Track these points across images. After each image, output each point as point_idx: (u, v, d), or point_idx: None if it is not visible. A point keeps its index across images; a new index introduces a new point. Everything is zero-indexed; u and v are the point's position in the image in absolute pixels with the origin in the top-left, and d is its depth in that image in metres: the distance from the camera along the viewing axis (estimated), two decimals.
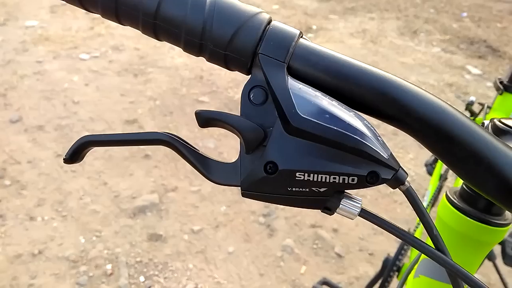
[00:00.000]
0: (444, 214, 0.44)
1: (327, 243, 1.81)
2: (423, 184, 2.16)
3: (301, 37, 0.32)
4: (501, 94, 1.00)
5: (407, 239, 0.31)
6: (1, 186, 1.94)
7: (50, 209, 1.85)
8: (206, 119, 0.31)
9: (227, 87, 2.79)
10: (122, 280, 1.58)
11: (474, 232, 0.43)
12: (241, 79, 2.90)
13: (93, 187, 1.97)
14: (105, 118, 2.41)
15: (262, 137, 0.30)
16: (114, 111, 2.48)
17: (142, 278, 1.60)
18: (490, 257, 1.19)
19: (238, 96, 2.71)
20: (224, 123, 0.30)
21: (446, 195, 0.45)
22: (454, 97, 2.96)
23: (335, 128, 0.28)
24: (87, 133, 2.30)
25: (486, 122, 0.41)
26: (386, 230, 0.31)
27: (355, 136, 0.28)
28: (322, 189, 0.30)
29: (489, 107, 1.09)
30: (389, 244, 1.81)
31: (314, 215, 1.94)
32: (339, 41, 3.58)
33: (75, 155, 0.32)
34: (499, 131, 0.38)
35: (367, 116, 0.31)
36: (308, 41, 0.32)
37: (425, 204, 1.31)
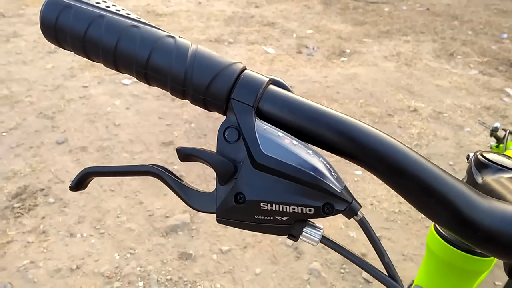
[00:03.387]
0: (432, 244, 0.46)
1: (355, 267, 1.80)
2: None
3: (271, 83, 0.37)
4: None
5: (363, 265, 0.35)
6: (46, 204, 2.08)
7: (89, 226, 1.96)
8: (185, 155, 0.36)
9: None
10: None
11: (462, 262, 0.44)
12: None
13: (130, 206, 2.07)
14: (144, 140, 2.53)
15: (232, 171, 0.34)
16: (152, 133, 2.60)
17: None
18: None
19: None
20: (200, 159, 0.35)
21: (434, 225, 0.47)
22: (477, 123, 2.88)
23: (294, 164, 0.33)
24: (126, 155, 2.43)
25: (471, 154, 0.43)
26: (344, 257, 0.35)
27: (310, 172, 0.33)
28: (284, 218, 0.34)
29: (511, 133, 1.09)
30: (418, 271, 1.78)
31: (342, 238, 1.94)
32: (373, 64, 3.59)
33: (79, 183, 0.38)
34: (480, 165, 0.41)
35: (329, 153, 0.36)
36: (276, 88, 0.37)
37: None
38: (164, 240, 1.89)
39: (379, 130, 0.35)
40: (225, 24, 4.30)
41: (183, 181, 0.37)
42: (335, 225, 1.99)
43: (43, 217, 2.00)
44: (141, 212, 2.03)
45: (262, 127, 0.34)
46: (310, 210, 0.34)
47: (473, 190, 0.33)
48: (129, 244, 1.87)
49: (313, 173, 0.33)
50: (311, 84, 3.23)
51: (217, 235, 1.92)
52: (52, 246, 1.86)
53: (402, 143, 0.34)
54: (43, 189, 2.16)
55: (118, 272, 1.75)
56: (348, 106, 2.98)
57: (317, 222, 0.36)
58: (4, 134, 2.60)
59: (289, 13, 4.64)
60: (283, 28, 4.24)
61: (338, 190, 0.33)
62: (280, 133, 0.34)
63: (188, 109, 2.84)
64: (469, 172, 0.41)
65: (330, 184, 0.33)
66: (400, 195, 0.35)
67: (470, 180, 0.41)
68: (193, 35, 4.00)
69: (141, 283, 1.70)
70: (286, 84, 0.39)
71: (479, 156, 0.41)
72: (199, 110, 2.84)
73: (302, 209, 0.34)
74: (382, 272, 0.35)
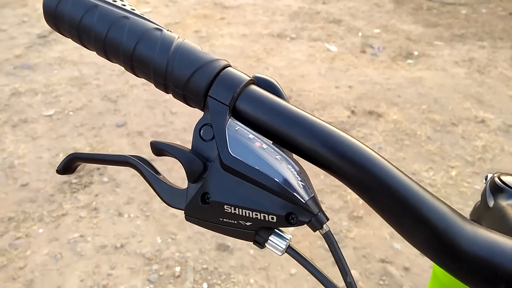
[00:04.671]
0: (438, 269, 0.43)
1: (395, 281, 1.72)
2: None
3: (252, 83, 0.35)
4: None
5: (325, 282, 0.33)
6: (100, 182, 2.19)
7: (136, 208, 2.04)
8: (158, 149, 0.36)
9: (313, 108, 2.81)
10: (187, 283, 1.68)
11: None
12: (328, 101, 2.91)
13: None
14: None
15: (201, 170, 0.33)
16: None
17: (205, 285, 1.68)
18: None
19: (323, 118, 2.70)
20: (171, 154, 0.35)
21: None
22: None
23: (258, 169, 0.31)
24: (179, 142, 2.50)
25: (490, 175, 0.39)
26: (307, 270, 0.33)
27: (274, 179, 0.31)
28: (248, 223, 0.32)
29: None
30: None
31: (385, 249, 1.86)
32: (441, 69, 3.39)
33: (66, 167, 0.39)
34: (496, 188, 0.37)
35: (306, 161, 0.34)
36: (256, 88, 0.35)
37: None
38: (204, 229, 1.92)
39: (357, 140, 0.32)
40: (289, 19, 4.27)
41: (160, 175, 0.37)
42: (379, 234, 1.91)
43: (96, 195, 2.12)
44: None
45: (234, 127, 0.33)
46: (273, 218, 0.32)
47: (457, 213, 0.30)
48: (171, 229, 1.93)
49: (277, 180, 0.31)
50: (371, 86, 3.12)
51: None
52: (101, 223, 1.97)
53: (381, 156, 0.31)
54: (99, 168, 2.29)
55: (158, 255, 1.81)
56: (408, 111, 2.84)
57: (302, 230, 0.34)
58: (71, 113, 2.78)
59: (357, 11, 4.50)
60: (349, 26, 4.12)
61: (303, 200, 0.31)
62: (251, 136, 0.33)
63: None
64: (483, 194, 0.38)
65: (294, 193, 0.31)
66: (376, 211, 0.32)
67: (482, 204, 0.37)
68: (256, 29, 4.01)
69: (178, 268, 1.75)
70: (276, 85, 0.37)
71: (496, 179, 0.37)
72: None
73: (265, 216, 0.32)
74: None
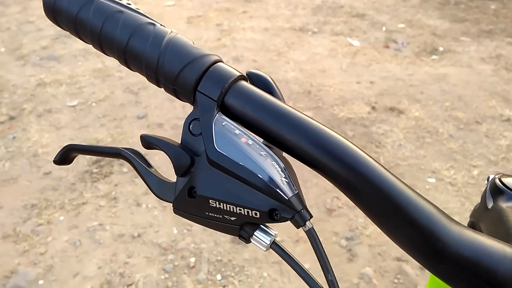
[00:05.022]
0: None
1: (410, 279, 1.70)
2: None
3: (242, 79, 0.35)
4: None
5: (308, 280, 0.32)
6: (120, 173, 2.24)
7: (154, 199, 2.07)
8: (147, 143, 0.36)
9: (333, 104, 2.79)
10: (201, 274, 1.71)
11: None
12: (349, 97, 2.87)
13: None
14: None
15: (188, 164, 0.34)
16: None
17: (219, 277, 1.70)
18: None
19: (343, 114, 2.69)
20: (159, 148, 0.35)
21: None
22: None
23: (243, 165, 0.31)
24: None
25: (492, 176, 0.39)
26: (291, 267, 0.33)
27: (258, 175, 0.31)
28: (232, 218, 0.33)
29: None
30: None
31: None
32: (467, 65, 3.30)
33: (63, 158, 0.40)
34: (495, 189, 0.36)
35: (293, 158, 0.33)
36: (245, 84, 0.35)
37: None
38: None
39: (344, 138, 0.32)
40: (312, 13, 4.23)
41: (151, 167, 0.38)
42: None
43: (116, 185, 2.16)
44: None
45: (221, 122, 0.33)
46: (256, 214, 0.32)
47: (443, 214, 0.29)
48: (187, 220, 1.95)
49: (260, 176, 0.31)
50: (393, 81, 3.07)
51: (271, 224, 1.92)
52: (119, 212, 2.01)
53: (368, 155, 0.31)
54: (119, 159, 2.33)
55: (173, 245, 1.83)
56: (431, 108, 2.79)
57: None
58: (93, 104, 2.84)
59: (382, 5, 4.43)
60: (373, 21, 4.06)
61: (286, 197, 0.31)
62: (238, 131, 0.33)
63: None
64: (483, 196, 0.37)
65: (277, 190, 0.31)
66: (361, 210, 0.32)
67: (482, 205, 0.36)
68: (278, 23, 3.99)
69: (193, 259, 1.77)
70: (269, 81, 0.37)
71: (497, 180, 0.36)
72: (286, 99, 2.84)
73: (248, 212, 0.32)
74: None
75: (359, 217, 1.97)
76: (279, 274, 1.70)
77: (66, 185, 2.16)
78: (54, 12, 0.39)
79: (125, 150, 0.38)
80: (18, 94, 2.94)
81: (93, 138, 2.50)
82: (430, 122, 2.64)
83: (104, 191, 2.12)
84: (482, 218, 0.36)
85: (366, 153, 0.31)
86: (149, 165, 0.38)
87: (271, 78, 0.38)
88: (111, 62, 3.32)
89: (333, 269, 0.34)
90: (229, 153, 0.32)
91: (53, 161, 0.41)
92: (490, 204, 0.36)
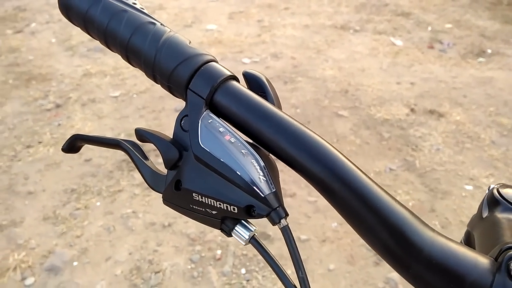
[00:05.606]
0: None
1: None
2: None
3: (232, 79, 0.37)
4: None
5: (282, 277, 0.33)
6: (156, 163, 2.30)
7: None
8: (140, 135, 0.38)
9: (370, 104, 2.74)
10: (226, 267, 1.74)
11: None
12: (387, 97, 2.81)
13: None
14: None
15: (176, 158, 0.36)
16: None
17: (243, 271, 1.73)
18: None
19: (380, 114, 2.64)
20: (151, 141, 0.37)
21: None
22: None
23: (223, 161, 0.33)
24: None
25: (492, 186, 0.38)
26: (267, 263, 0.34)
27: (236, 171, 0.32)
28: (213, 212, 0.34)
29: None
30: None
31: None
32: None
33: (70, 147, 0.42)
34: (492, 199, 0.36)
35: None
36: (235, 84, 0.37)
37: None
38: None
39: (322, 139, 0.33)
40: (355, 11, 4.16)
41: (148, 160, 0.40)
42: None
43: None
44: None
45: (208, 120, 0.35)
46: (234, 209, 0.33)
47: (418, 218, 0.30)
48: None
49: (239, 173, 0.33)
50: (435, 83, 2.97)
51: (298, 223, 1.93)
52: (152, 201, 2.07)
53: (347, 158, 0.32)
54: (155, 150, 2.40)
55: (201, 237, 1.88)
56: (473, 112, 2.68)
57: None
58: (134, 96, 2.94)
59: (429, 4, 4.28)
60: (418, 20, 3.94)
61: (262, 194, 0.32)
62: (222, 129, 0.35)
63: (298, 94, 2.86)
64: (480, 205, 0.36)
65: (254, 187, 0.33)
66: (337, 210, 0.33)
67: (478, 214, 0.36)
68: (319, 20, 3.96)
69: (219, 252, 1.81)
70: (263, 81, 0.38)
71: (495, 190, 0.36)
72: (308, 96, 2.83)
73: (227, 207, 0.34)
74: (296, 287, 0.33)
75: None
76: None
77: (104, 172, 2.26)
78: (66, 9, 0.42)
79: (123, 142, 0.40)
80: (65, 83, 3.09)
81: (132, 128, 2.59)
82: (471, 127, 2.55)
83: (139, 180, 2.20)
84: (476, 227, 0.36)
85: (343, 155, 0.32)
86: (146, 158, 0.40)
87: (266, 79, 0.39)
88: None
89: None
90: (212, 150, 0.34)
91: (61, 149, 0.44)
92: (485, 214, 0.35)
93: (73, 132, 2.57)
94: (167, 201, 0.38)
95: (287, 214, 0.34)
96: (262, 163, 0.34)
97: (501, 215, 0.34)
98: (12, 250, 1.82)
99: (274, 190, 0.34)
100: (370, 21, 3.93)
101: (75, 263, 1.77)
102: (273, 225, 0.34)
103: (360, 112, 2.67)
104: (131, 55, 0.39)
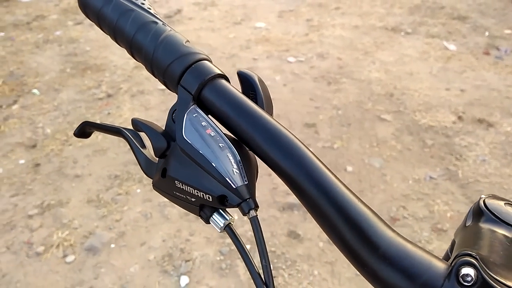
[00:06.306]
0: None
1: None
2: None
3: (221, 77, 0.40)
4: None
5: (249, 266, 0.35)
6: None
7: None
8: (135, 125, 0.42)
9: (415, 109, 2.66)
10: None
11: None
12: (434, 103, 2.72)
13: (260, 174, 2.22)
14: (290, 117, 2.65)
15: (164, 148, 0.39)
16: (299, 112, 2.69)
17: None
18: None
19: (425, 120, 2.56)
20: (144, 131, 0.40)
21: None
22: None
23: (201, 153, 0.35)
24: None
25: (483, 197, 0.38)
26: (238, 252, 0.36)
27: (212, 163, 0.35)
28: (192, 199, 0.37)
29: None
30: None
31: None
32: None
33: (81, 132, 0.47)
34: (478, 209, 0.36)
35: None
36: (222, 83, 0.40)
37: None
38: (279, 214, 1.98)
39: (295, 138, 0.35)
40: (408, 12, 4.04)
41: (145, 148, 0.43)
42: None
43: None
44: (268, 183, 2.16)
45: (193, 114, 0.38)
46: (209, 198, 0.36)
47: (380, 219, 0.31)
48: None
49: (214, 165, 0.35)
50: (487, 91, 2.84)
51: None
52: None
53: (314, 154, 0.34)
54: None
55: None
56: None
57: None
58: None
59: (488, 8, 4.08)
60: (475, 24, 3.76)
61: (234, 186, 0.35)
62: (205, 123, 0.37)
63: (341, 95, 2.83)
64: (466, 214, 0.37)
65: (227, 178, 0.35)
66: (305, 208, 0.35)
67: (463, 222, 0.36)
68: (370, 21, 3.88)
69: (248, 246, 1.84)
70: (254, 80, 0.41)
71: (481, 201, 0.36)
72: (351, 98, 2.80)
73: (203, 195, 0.36)
74: (260, 276, 0.35)
75: (424, 231, 1.89)
76: (330, 275, 1.71)
77: None
78: (84, 6, 0.47)
79: (124, 130, 0.44)
80: (118, 74, 3.24)
81: None
82: None
83: None
84: (458, 235, 0.36)
85: (314, 155, 0.35)
86: (143, 146, 0.43)
87: (259, 79, 0.42)
88: None
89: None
90: (193, 142, 0.37)
91: (73, 134, 0.48)
92: (468, 223, 0.36)
93: (121, 121, 2.70)
94: (155, 186, 0.41)
95: (257, 206, 0.36)
96: (238, 157, 0.36)
97: (483, 225, 0.34)
98: (57, 228, 1.96)
99: (247, 183, 0.36)
100: (423, 24, 3.80)
101: (112, 245, 1.87)
102: (243, 215, 0.36)
103: (404, 117, 2.61)
104: (135, 50, 0.43)
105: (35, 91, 3.06)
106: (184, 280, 1.71)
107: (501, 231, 0.33)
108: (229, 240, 1.86)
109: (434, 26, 3.76)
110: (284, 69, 3.20)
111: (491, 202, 0.35)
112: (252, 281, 0.36)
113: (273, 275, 0.35)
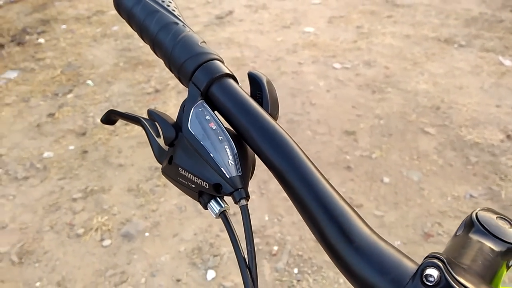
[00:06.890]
0: None
1: None
2: None
3: (228, 77, 0.43)
4: None
5: (238, 254, 0.38)
6: None
7: (255, 184, 2.22)
8: (150, 115, 0.46)
9: (462, 124, 2.57)
10: (280, 264, 1.79)
11: None
12: (482, 120, 2.62)
13: None
14: (330, 124, 2.64)
15: (173, 137, 0.42)
16: (340, 119, 2.68)
17: (296, 270, 1.76)
18: None
19: (470, 137, 2.47)
20: (156, 121, 0.44)
21: None
22: None
23: (202, 144, 0.38)
24: (309, 133, 2.58)
25: (478, 209, 0.39)
26: (230, 239, 0.39)
27: (210, 153, 0.38)
28: (193, 186, 0.40)
29: None
30: None
31: None
32: None
33: (107, 119, 0.51)
34: (470, 221, 0.37)
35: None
36: (230, 82, 0.43)
37: None
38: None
39: (289, 137, 0.38)
40: (464, 24, 3.90)
41: (160, 137, 0.47)
42: None
43: None
44: None
45: (199, 108, 0.41)
46: (206, 185, 0.39)
47: (360, 217, 0.33)
48: (279, 211, 2.05)
49: (212, 155, 0.38)
50: None
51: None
52: None
53: (301, 149, 0.37)
54: None
55: (262, 230, 1.95)
56: None
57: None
58: None
59: None
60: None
61: (228, 176, 0.38)
62: (209, 117, 0.41)
63: (384, 105, 2.79)
64: (460, 224, 0.38)
65: (222, 168, 0.38)
66: (289, 198, 0.37)
67: (454, 233, 0.38)
68: (423, 31, 3.79)
69: (275, 248, 1.86)
70: (262, 81, 0.44)
71: (473, 213, 0.37)
72: (395, 108, 2.75)
73: (201, 182, 0.39)
74: (245, 260, 0.38)
75: None
76: None
77: None
78: (118, 5, 0.52)
79: (143, 120, 0.48)
80: (166, 71, 3.36)
81: None
82: None
83: None
84: (449, 244, 0.37)
85: (302, 151, 0.37)
86: (158, 135, 0.47)
87: (267, 80, 0.45)
88: (249, 53, 3.57)
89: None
90: (196, 133, 0.41)
91: (100, 120, 0.53)
92: (459, 232, 0.37)
93: None
94: (163, 172, 0.45)
95: (248, 196, 0.39)
96: (235, 151, 0.40)
97: (472, 236, 0.35)
98: (97, 213, 2.07)
99: (240, 174, 0.39)
100: (478, 37, 3.66)
101: (146, 234, 1.95)
102: (235, 203, 0.39)
103: (449, 131, 2.53)
104: (156, 47, 0.48)
105: (89, 82, 3.24)
106: (211, 274, 1.76)
107: (488, 243, 0.34)
108: (257, 240, 1.89)
109: (490, 40, 3.61)
110: (328, 74, 3.19)
111: (483, 215, 0.36)
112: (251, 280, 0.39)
113: (256, 260, 0.38)
